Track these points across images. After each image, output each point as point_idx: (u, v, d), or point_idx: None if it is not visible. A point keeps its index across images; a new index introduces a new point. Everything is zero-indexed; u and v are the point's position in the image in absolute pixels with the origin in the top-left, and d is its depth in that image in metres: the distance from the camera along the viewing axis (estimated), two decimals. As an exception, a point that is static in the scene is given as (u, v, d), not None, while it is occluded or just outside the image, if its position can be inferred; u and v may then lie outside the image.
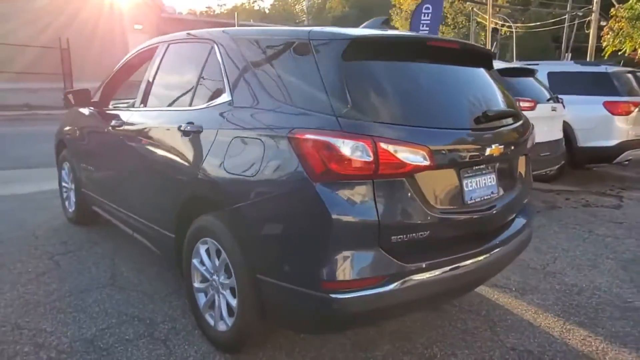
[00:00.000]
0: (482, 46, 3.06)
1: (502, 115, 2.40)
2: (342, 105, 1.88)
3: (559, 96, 5.78)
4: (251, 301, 2.08)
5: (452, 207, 2.11)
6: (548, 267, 3.40)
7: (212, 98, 2.44)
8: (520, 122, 2.54)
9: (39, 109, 15.54)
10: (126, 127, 3.13)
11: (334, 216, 1.79)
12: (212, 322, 2.35)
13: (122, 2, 20.50)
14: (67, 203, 4.38)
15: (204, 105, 2.46)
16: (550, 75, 6.56)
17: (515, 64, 7.49)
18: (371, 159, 1.82)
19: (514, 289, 3.03)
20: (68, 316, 2.60)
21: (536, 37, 28.88)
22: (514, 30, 26.46)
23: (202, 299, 2.43)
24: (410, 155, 1.88)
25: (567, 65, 7.64)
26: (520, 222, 2.53)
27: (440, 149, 1.99)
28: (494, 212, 2.25)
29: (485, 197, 2.24)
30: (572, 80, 6.52)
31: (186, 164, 2.45)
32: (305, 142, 1.85)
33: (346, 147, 1.81)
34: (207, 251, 2.36)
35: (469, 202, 2.16)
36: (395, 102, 2.03)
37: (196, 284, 2.46)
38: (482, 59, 2.59)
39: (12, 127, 11.98)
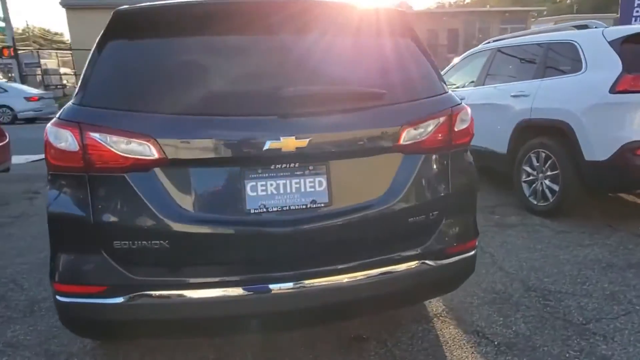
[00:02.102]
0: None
1: (320, 97, 1.75)
2: (82, 92, 1.73)
3: None
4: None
5: (220, 215, 1.70)
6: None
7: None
8: (377, 107, 1.82)
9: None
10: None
11: (49, 212, 1.70)
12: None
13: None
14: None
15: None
16: None
17: None
18: (77, 149, 1.64)
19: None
20: None
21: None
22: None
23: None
24: (132, 147, 1.64)
25: None
26: (398, 249, 1.85)
27: (184, 140, 1.65)
28: (313, 226, 1.72)
29: (294, 208, 1.74)
30: None
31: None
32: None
33: (52, 135, 1.68)
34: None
35: (254, 210, 1.71)
36: (139, 86, 1.72)
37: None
38: (343, 19, 1.93)
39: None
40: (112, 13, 1.78)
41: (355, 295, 1.82)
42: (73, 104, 1.73)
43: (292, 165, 1.75)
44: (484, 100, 5.04)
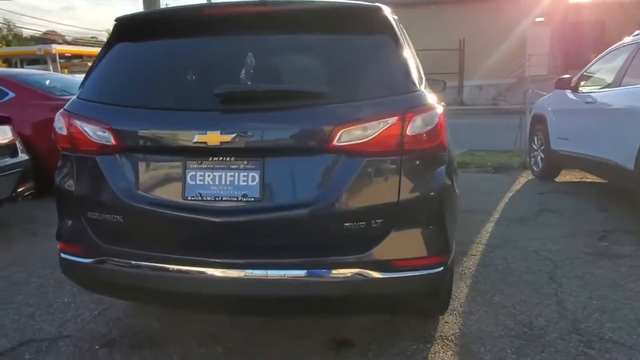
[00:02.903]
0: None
1: (255, 95, 1.82)
2: (81, 88, 2.10)
3: None
4: None
5: (164, 198, 1.87)
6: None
7: None
8: (313, 106, 1.79)
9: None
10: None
11: (55, 184, 2.09)
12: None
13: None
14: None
15: None
16: None
17: None
18: (66, 133, 1.98)
19: None
20: None
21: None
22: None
23: None
24: (99, 133, 1.90)
25: None
26: (331, 253, 1.77)
27: (141, 129, 1.89)
28: (241, 219, 1.79)
29: (225, 199, 1.80)
30: None
31: None
32: None
33: (55, 122, 2.06)
34: None
35: (191, 198, 1.82)
36: (111, 82, 2.06)
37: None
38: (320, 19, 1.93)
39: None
40: (116, 23, 2.12)
41: (280, 293, 1.81)
42: (75, 97, 2.10)
43: (228, 159, 1.82)
44: (614, 103, 4.21)
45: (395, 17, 2.10)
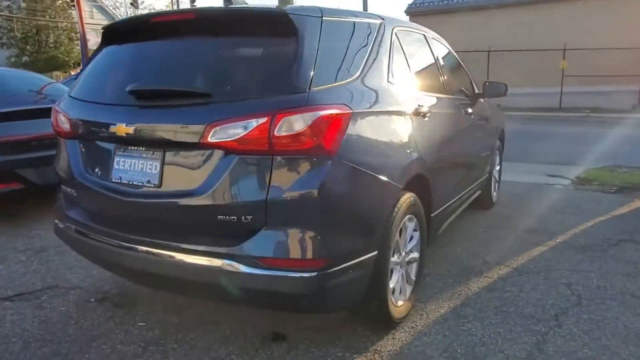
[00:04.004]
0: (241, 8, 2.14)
1: (161, 93, 2.05)
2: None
3: None
4: None
5: (99, 179, 2.22)
6: None
7: None
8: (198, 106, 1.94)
9: (605, 112, 15.99)
10: None
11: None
12: None
13: None
14: None
15: None
16: None
17: None
18: (54, 122, 2.49)
19: None
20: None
21: None
22: None
23: None
24: (63, 121, 2.39)
25: None
26: (206, 242, 1.91)
27: (84, 119, 2.30)
28: (143, 201, 2.06)
29: (135, 183, 2.08)
30: None
31: None
32: None
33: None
34: None
35: (114, 180, 2.14)
36: (87, 80, 2.46)
37: None
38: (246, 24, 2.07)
39: (573, 127, 13.15)
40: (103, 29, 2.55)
41: (165, 272, 2.02)
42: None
43: (141, 148, 2.08)
44: None
45: (320, 22, 2.07)
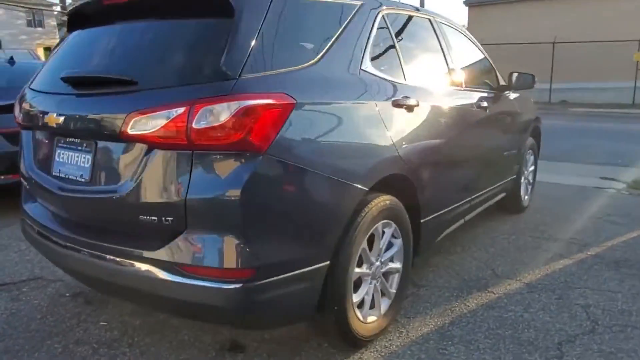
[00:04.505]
0: None
1: (89, 80, 1.90)
2: None
3: None
4: None
5: (43, 172, 2.11)
6: None
7: None
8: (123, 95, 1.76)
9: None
10: None
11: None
12: None
13: None
14: None
15: None
16: None
17: None
18: (15, 114, 2.35)
19: None
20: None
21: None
22: None
23: None
24: (17, 113, 2.29)
25: None
26: (132, 245, 1.74)
27: (31, 110, 2.17)
28: (76, 197, 1.91)
29: (71, 177, 1.94)
30: None
31: None
32: None
33: None
34: None
35: (54, 174, 2.03)
36: (44, 70, 2.28)
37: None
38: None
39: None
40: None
41: (98, 275, 1.88)
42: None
43: (77, 140, 1.94)
44: None
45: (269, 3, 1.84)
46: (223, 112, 1.56)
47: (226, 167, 1.61)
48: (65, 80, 1.94)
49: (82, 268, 1.97)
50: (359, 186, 1.95)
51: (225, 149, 1.59)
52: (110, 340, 2.32)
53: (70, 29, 2.34)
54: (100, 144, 1.86)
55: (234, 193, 1.59)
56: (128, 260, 1.76)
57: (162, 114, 1.61)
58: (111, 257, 1.80)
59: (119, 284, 1.83)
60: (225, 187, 1.60)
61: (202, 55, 1.71)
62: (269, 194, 1.66)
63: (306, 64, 1.86)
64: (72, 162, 1.95)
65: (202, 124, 1.57)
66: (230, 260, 1.62)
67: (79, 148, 1.93)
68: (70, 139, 1.98)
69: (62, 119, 1.90)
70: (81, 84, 1.93)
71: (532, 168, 4.57)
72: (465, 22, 23.19)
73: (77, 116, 1.89)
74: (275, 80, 1.72)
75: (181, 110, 1.58)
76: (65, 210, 2.04)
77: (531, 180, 4.61)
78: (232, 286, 1.61)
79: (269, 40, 1.76)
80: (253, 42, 1.70)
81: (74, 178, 1.94)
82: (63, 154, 2.01)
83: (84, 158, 1.90)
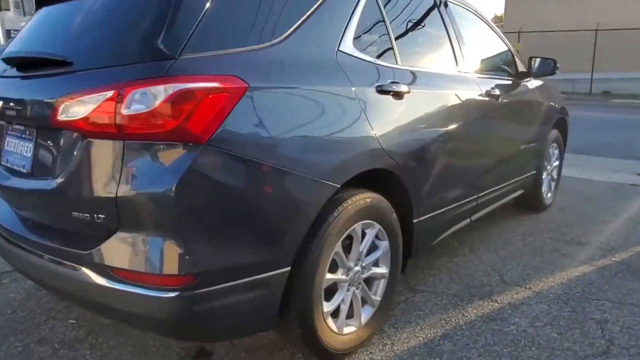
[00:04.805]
0: None
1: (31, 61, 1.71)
2: None
3: None
4: None
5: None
6: None
7: None
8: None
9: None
10: None
11: None
12: None
13: None
14: None
15: None
16: None
17: None
18: None
19: None
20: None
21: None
22: None
23: None
24: None
25: None
26: (68, 244, 1.57)
27: None
28: (18, 189, 1.76)
29: (15, 168, 1.79)
30: None
31: None
32: None
33: None
34: None
35: (3, 163, 1.88)
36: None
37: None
38: None
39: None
40: None
41: (39, 275, 1.73)
42: None
43: (21, 127, 1.79)
44: None
45: None
46: (156, 96, 1.36)
47: (161, 159, 1.41)
48: (7, 61, 1.79)
49: (28, 269, 1.82)
50: (327, 182, 1.71)
51: (160, 138, 1.39)
52: (74, 340, 2.18)
53: (37, 9, 2.20)
54: (40, 132, 1.69)
55: (169, 189, 1.38)
56: (66, 262, 1.59)
57: (91, 98, 1.42)
58: (50, 257, 1.64)
59: (58, 287, 1.68)
60: (160, 182, 1.40)
61: (140, 33, 1.50)
62: (210, 190, 1.45)
63: (267, 44, 1.63)
64: (17, 151, 1.80)
65: (133, 110, 1.37)
66: (165, 265, 1.42)
67: (22, 136, 1.78)
68: (16, 126, 1.83)
69: (6, 103, 1.75)
70: (22, 65, 1.77)
71: (556, 163, 4.19)
72: (502, 9, 22.25)
73: (18, 100, 1.73)
74: (225, 61, 1.50)
75: (109, 93, 1.39)
76: (11, 203, 1.90)
77: (555, 177, 4.24)
78: (166, 294, 1.42)
79: (220, 16, 1.54)
80: (199, 18, 1.48)
81: (18, 169, 1.79)
82: (10, 142, 1.86)
83: (27, 147, 1.75)
